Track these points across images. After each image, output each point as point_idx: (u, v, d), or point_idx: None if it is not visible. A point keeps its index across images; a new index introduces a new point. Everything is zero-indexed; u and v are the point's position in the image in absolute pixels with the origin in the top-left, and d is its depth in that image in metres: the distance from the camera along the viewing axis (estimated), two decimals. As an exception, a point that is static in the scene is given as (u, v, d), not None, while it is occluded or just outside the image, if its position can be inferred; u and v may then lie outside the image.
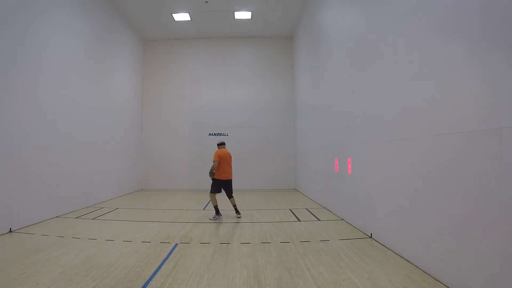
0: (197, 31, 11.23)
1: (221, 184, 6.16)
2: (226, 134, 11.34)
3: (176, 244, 4.36)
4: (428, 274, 3.15)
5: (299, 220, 5.96)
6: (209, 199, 6.35)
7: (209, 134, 11.35)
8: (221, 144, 6.45)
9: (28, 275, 3.16)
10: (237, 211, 6.21)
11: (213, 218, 6.00)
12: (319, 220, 5.97)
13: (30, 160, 5.43)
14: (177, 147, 11.44)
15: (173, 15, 9.93)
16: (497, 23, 2.31)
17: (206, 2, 9.17)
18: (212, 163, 6.17)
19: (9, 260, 3.60)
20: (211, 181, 6.22)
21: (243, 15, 10.01)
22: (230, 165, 6.33)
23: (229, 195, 6.28)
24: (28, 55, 5.47)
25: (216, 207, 6.10)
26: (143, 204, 8.03)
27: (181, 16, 10.04)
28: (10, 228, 4.90)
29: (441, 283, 2.93)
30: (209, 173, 6.17)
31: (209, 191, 6.20)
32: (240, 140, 11.32)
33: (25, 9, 5.40)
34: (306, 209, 7.14)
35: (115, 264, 3.51)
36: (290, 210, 7.07)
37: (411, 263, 3.48)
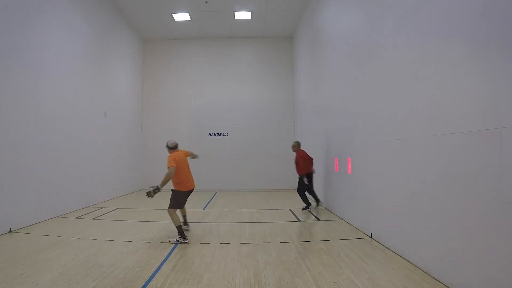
0: (197, 31, 11.22)
1: (185, 195, 5.00)
2: (226, 134, 11.36)
3: (176, 244, 4.36)
4: (428, 274, 3.14)
5: (299, 220, 5.97)
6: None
7: (209, 134, 11.35)
8: (173, 148, 4.96)
9: (28, 275, 3.16)
10: (185, 222, 5.23)
11: (176, 241, 4.42)
12: (319, 220, 5.97)
13: (30, 160, 5.43)
14: (177, 147, 11.44)
15: (173, 15, 9.92)
16: (497, 23, 2.31)
17: (206, 2, 9.17)
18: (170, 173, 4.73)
19: (9, 260, 3.60)
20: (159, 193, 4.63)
21: (243, 15, 10.00)
22: (189, 170, 5.12)
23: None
24: (28, 55, 5.46)
25: (179, 227, 4.53)
26: (143, 204, 8.02)
27: (181, 16, 10.04)
28: (10, 228, 4.90)
29: (441, 283, 2.93)
30: (159, 186, 4.51)
31: (168, 207, 4.76)
32: (240, 140, 11.33)
33: (25, 9, 5.40)
34: (306, 209, 7.14)
35: (115, 264, 3.51)
36: (290, 210, 7.07)
37: (411, 263, 3.48)
